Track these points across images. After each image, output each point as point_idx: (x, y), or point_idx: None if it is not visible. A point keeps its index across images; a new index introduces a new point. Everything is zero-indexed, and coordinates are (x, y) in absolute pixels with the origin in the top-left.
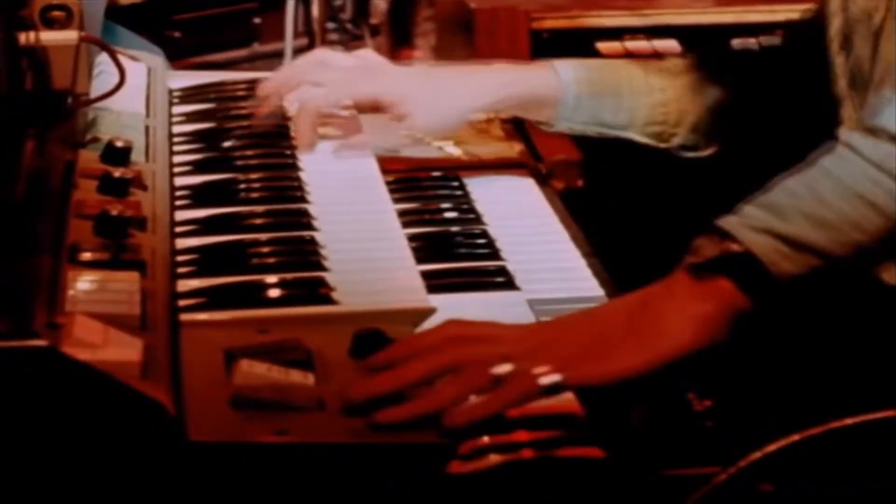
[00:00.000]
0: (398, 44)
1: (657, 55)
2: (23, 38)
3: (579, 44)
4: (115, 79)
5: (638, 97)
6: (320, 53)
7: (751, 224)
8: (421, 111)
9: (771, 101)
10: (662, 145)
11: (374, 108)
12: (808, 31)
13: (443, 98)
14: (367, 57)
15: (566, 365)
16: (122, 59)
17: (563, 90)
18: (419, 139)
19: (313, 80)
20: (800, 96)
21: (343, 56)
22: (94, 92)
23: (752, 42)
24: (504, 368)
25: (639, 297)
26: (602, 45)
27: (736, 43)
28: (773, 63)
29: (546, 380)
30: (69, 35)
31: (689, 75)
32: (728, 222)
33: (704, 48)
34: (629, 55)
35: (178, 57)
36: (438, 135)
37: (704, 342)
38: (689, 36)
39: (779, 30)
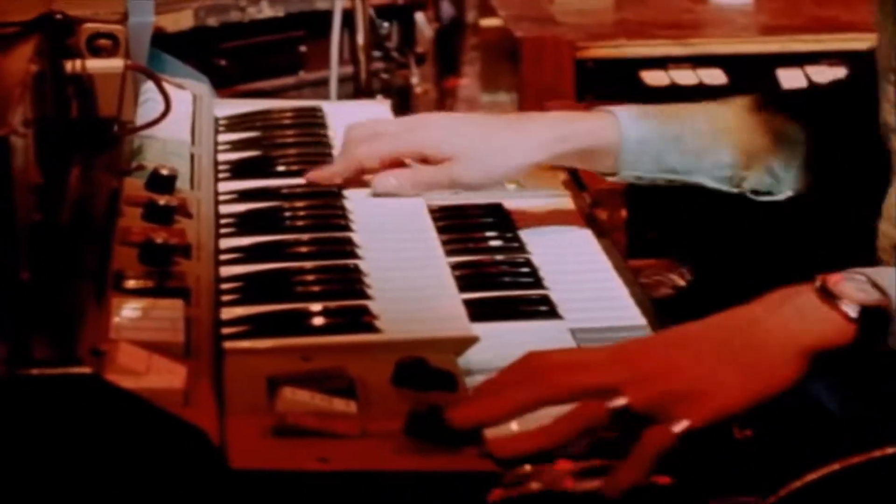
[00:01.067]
0: (444, 72)
1: (702, 84)
2: (69, 66)
3: (624, 73)
4: (161, 106)
5: (703, 139)
6: (371, 123)
7: None
8: (472, 168)
9: (845, 137)
10: (734, 190)
11: (422, 160)
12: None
13: (497, 154)
14: (419, 117)
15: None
16: (168, 87)
17: (624, 137)
18: None
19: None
20: (871, 130)
21: (395, 120)
22: (140, 120)
23: (797, 72)
24: (619, 402)
25: (730, 318)
26: (646, 74)
27: (781, 73)
28: (842, 97)
29: (679, 428)
30: (115, 63)
31: (756, 114)
32: (884, 277)
33: (768, 85)
34: (673, 84)
35: (223, 84)
36: (479, 186)
37: (801, 376)
38: (733, 65)
39: (824, 59)
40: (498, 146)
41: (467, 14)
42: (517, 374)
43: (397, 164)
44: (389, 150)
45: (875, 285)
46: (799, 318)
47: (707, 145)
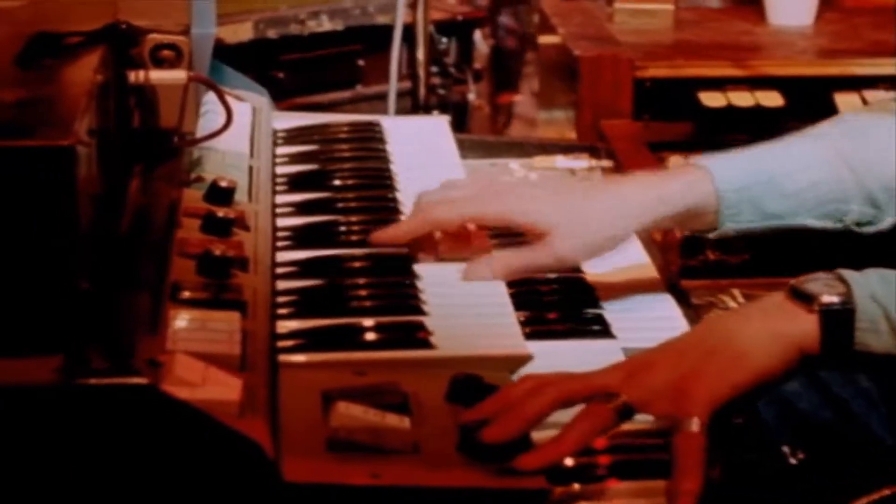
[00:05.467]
0: (499, 88)
1: (759, 106)
2: (132, 76)
3: (681, 93)
4: (221, 118)
5: (798, 178)
6: (445, 181)
7: (872, 292)
8: (566, 238)
9: None
10: (839, 225)
11: (502, 227)
12: None
13: (598, 225)
14: (503, 183)
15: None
16: (229, 99)
17: (720, 189)
18: None
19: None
20: None
21: (468, 180)
22: (200, 131)
23: (854, 96)
24: (619, 400)
25: (711, 319)
26: (704, 95)
27: (838, 97)
28: None
29: (695, 426)
30: (178, 74)
31: (843, 141)
32: (851, 274)
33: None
34: (730, 106)
35: (281, 97)
36: (581, 261)
37: (780, 367)
38: (790, 87)
39: (882, 83)
40: (597, 216)
41: (525, 31)
42: (522, 389)
43: (463, 233)
44: (475, 212)
45: (840, 278)
46: (763, 315)
47: (802, 183)
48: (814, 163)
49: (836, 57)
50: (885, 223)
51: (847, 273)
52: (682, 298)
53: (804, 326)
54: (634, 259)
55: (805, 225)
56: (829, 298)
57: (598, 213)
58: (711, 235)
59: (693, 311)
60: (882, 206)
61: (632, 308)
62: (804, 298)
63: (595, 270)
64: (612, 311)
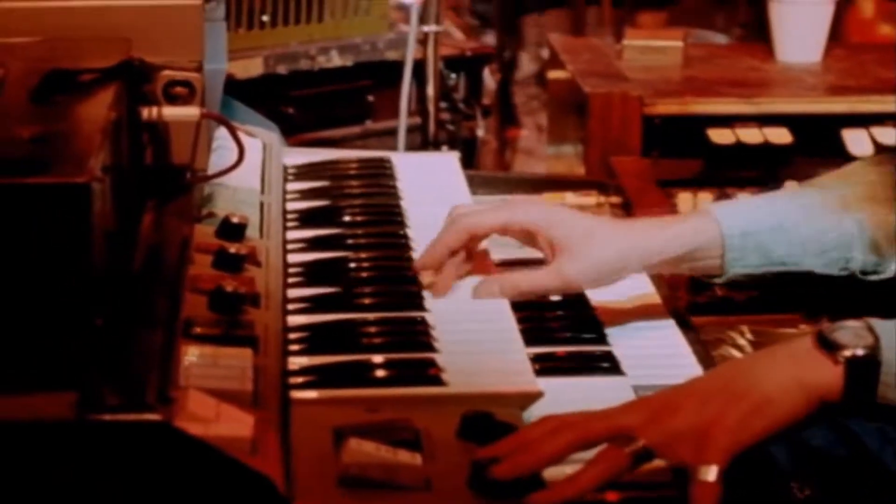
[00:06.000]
0: (505, 123)
1: (767, 143)
2: (145, 112)
3: (690, 130)
4: (233, 154)
5: (804, 225)
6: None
7: None
8: (575, 262)
9: None
10: (843, 272)
11: (526, 238)
12: None
13: (603, 250)
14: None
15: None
16: (240, 135)
17: (726, 233)
18: None
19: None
20: None
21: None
22: (212, 167)
23: (862, 132)
24: (638, 444)
25: (736, 362)
26: (712, 132)
27: (846, 134)
28: None
29: (712, 476)
30: (191, 111)
31: (850, 189)
32: (883, 325)
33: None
34: (739, 143)
35: (290, 132)
36: (586, 287)
37: (802, 413)
38: (799, 124)
39: (889, 120)
40: (609, 244)
41: (530, 66)
42: (541, 429)
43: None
44: (505, 219)
45: (870, 329)
46: (792, 361)
47: (807, 231)
48: (818, 211)
49: (843, 94)
50: (889, 271)
51: (877, 323)
52: (692, 335)
53: (828, 376)
54: (639, 287)
55: (810, 270)
56: (855, 350)
57: (610, 242)
58: (719, 280)
59: (702, 348)
60: (885, 255)
61: (641, 344)
62: (830, 347)
63: (600, 297)
64: (621, 347)
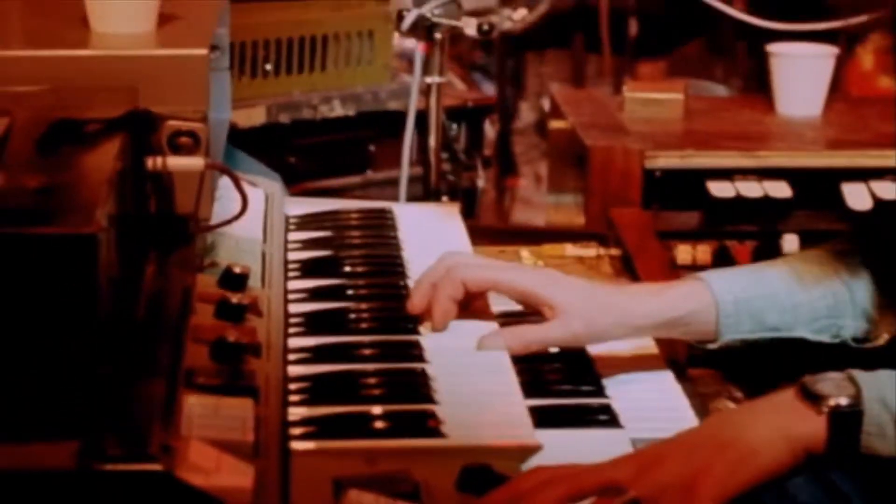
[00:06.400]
0: (504, 172)
1: (767, 197)
2: (150, 162)
3: (690, 183)
4: (236, 203)
5: (797, 293)
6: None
7: (882, 395)
8: (575, 319)
9: None
10: (835, 340)
11: (523, 301)
12: None
13: (604, 314)
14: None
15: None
16: (243, 184)
17: (719, 300)
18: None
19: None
20: None
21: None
22: (215, 216)
23: (861, 186)
24: (628, 496)
25: (722, 414)
26: (712, 185)
27: (845, 188)
28: None
29: None
30: (195, 161)
31: (840, 260)
32: (864, 376)
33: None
34: (739, 196)
35: (292, 180)
36: (582, 346)
37: (787, 465)
38: (799, 178)
39: (889, 175)
40: (609, 307)
41: (530, 115)
42: (533, 480)
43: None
44: (507, 280)
45: (851, 380)
46: (776, 413)
47: (800, 298)
48: (810, 280)
49: (843, 148)
50: (881, 339)
51: (858, 374)
52: (689, 387)
53: (812, 427)
54: (642, 349)
55: (802, 338)
56: (838, 401)
57: (609, 306)
58: (713, 345)
59: (699, 401)
60: (877, 323)
61: (639, 396)
62: (814, 399)
63: (598, 347)
64: (619, 399)
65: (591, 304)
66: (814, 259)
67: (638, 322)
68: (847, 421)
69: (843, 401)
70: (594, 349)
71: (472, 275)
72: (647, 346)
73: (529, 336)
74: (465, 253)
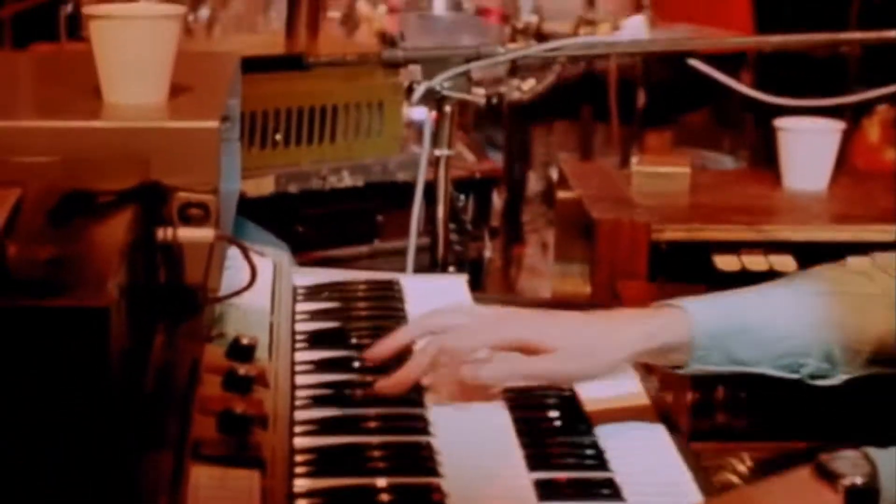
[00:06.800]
0: (511, 241)
1: (772, 270)
2: (160, 233)
3: (696, 256)
4: (244, 274)
5: (767, 330)
6: (454, 304)
7: None
8: (571, 360)
9: None
10: (794, 376)
11: (517, 349)
12: None
13: (596, 349)
14: (504, 309)
15: None
16: (252, 255)
17: (695, 333)
18: None
19: (449, 324)
20: None
21: (478, 306)
22: (223, 286)
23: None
24: None
25: (735, 494)
26: (718, 259)
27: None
28: None
29: None
30: (205, 233)
31: (816, 298)
32: (879, 454)
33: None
34: (744, 270)
35: (299, 250)
36: (578, 382)
37: None
38: (804, 252)
39: (893, 249)
40: (595, 342)
41: (537, 184)
42: None
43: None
44: (490, 338)
45: (867, 457)
46: (792, 492)
47: (771, 335)
48: (783, 317)
49: (848, 222)
50: (836, 379)
51: (874, 452)
52: (692, 460)
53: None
54: (646, 422)
55: (764, 373)
56: (854, 480)
57: (596, 340)
58: (680, 371)
59: (703, 474)
60: (837, 363)
61: (643, 471)
62: (830, 477)
63: (606, 432)
64: (622, 475)
65: (578, 344)
66: (790, 296)
67: (624, 354)
68: (863, 499)
69: (859, 479)
70: (585, 397)
71: (462, 344)
72: (638, 395)
73: (519, 368)
74: (453, 311)
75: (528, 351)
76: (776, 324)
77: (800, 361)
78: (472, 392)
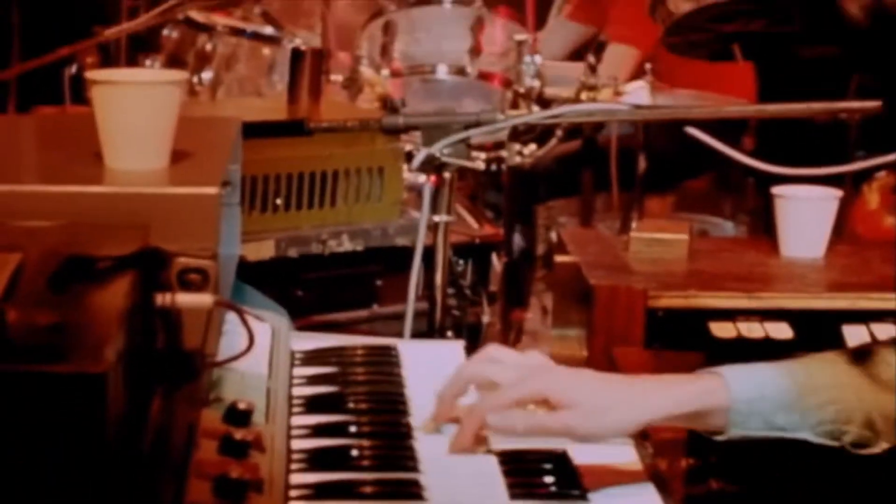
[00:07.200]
0: (511, 305)
1: (768, 338)
2: (159, 299)
3: (692, 323)
4: (242, 338)
5: (807, 397)
6: (492, 351)
7: None
8: (590, 417)
9: None
10: (836, 443)
11: (540, 403)
12: None
13: (615, 408)
14: (536, 356)
15: None
16: (250, 320)
17: (733, 399)
18: None
19: (488, 379)
20: None
21: (513, 353)
22: (221, 350)
23: (861, 328)
24: None
25: None
26: (714, 326)
27: (846, 330)
28: None
29: None
30: (204, 298)
31: (854, 368)
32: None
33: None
34: (740, 337)
35: (298, 314)
36: (598, 441)
37: None
38: (800, 320)
39: (889, 317)
40: (617, 404)
41: (536, 248)
42: None
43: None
44: (521, 395)
45: None
46: None
47: (811, 402)
48: (824, 385)
49: (844, 290)
50: (878, 447)
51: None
52: None
53: None
54: (640, 490)
55: (805, 439)
56: None
57: (618, 402)
58: (719, 438)
59: None
60: (879, 432)
61: None
62: None
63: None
64: None
65: (599, 405)
66: (829, 362)
67: (651, 418)
68: None
69: None
70: (572, 450)
71: (494, 406)
72: (631, 461)
73: (537, 423)
74: (491, 361)
75: (551, 405)
76: (816, 392)
77: (842, 429)
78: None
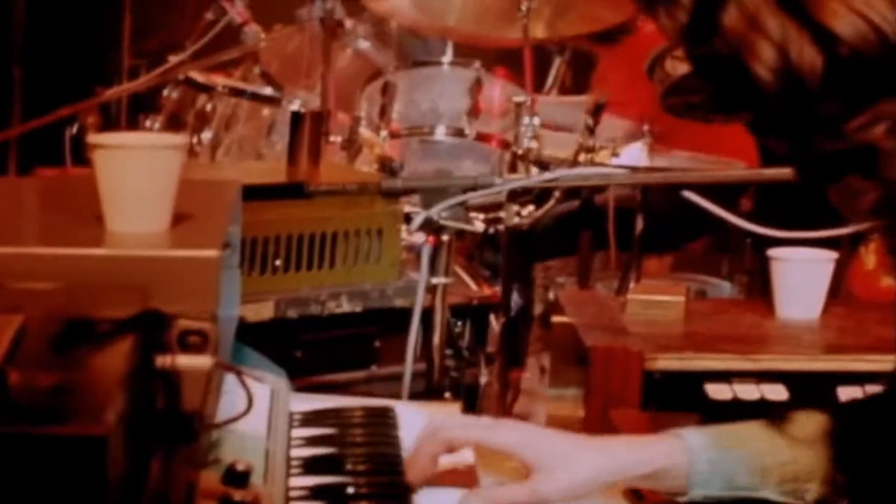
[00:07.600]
0: (509, 364)
1: (763, 399)
2: (160, 361)
3: (689, 385)
4: (241, 400)
5: (767, 457)
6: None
7: None
8: (552, 477)
9: None
10: (798, 503)
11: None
12: None
13: (577, 470)
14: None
15: None
16: (249, 382)
17: (693, 460)
18: None
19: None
20: None
21: (489, 420)
22: (220, 411)
23: (857, 390)
24: None
25: None
26: (710, 388)
27: (841, 391)
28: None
29: None
30: (204, 360)
31: (817, 425)
32: None
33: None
34: (736, 399)
35: (297, 374)
36: (563, 501)
37: None
38: (795, 381)
39: (884, 379)
40: (584, 465)
41: (534, 307)
42: None
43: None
44: (482, 437)
45: None
46: None
47: (772, 461)
48: (783, 443)
49: (840, 352)
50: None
51: None
52: None
53: None
54: None
55: (768, 499)
56: None
57: (586, 462)
58: (682, 499)
59: None
60: (841, 489)
61: None
62: None
63: None
64: None
65: (566, 466)
66: (790, 422)
67: (613, 477)
68: None
69: None
70: None
71: (456, 434)
72: None
73: (504, 493)
74: (467, 425)
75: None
76: (775, 449)
77: (804, 488)
78: None
